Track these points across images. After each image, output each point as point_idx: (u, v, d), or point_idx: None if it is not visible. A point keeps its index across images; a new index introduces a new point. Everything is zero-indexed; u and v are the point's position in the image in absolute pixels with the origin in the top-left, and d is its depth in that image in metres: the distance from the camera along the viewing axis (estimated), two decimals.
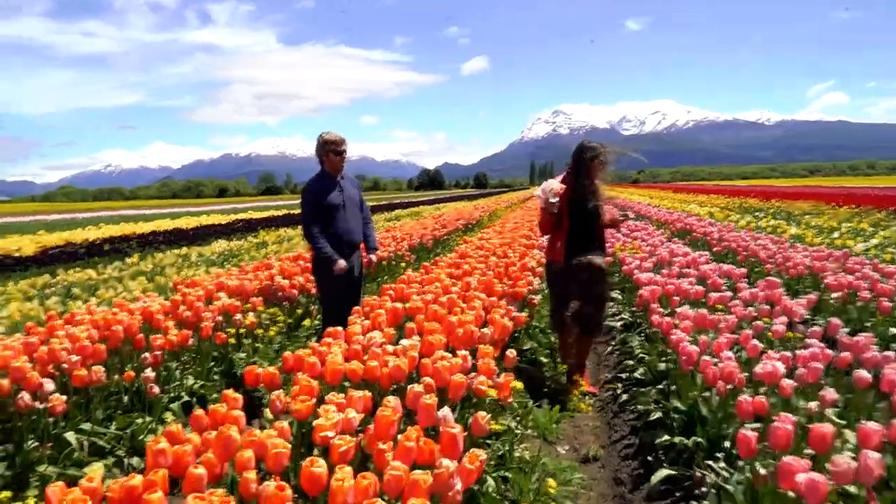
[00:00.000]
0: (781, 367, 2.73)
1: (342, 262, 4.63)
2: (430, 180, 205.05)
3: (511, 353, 3.25)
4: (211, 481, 1.94)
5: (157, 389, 3.10)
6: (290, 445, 2.07)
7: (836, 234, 11.19)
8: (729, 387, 2.89)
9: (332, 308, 4.69)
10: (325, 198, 4.64)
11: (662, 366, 4.11)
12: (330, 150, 4.68)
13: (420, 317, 3.62)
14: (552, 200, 4.05)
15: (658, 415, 3.53)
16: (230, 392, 2.59)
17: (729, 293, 4.66)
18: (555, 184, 4.10)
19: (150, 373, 3.14)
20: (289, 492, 1.76)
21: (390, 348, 3.07)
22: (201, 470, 1.89)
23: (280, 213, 26.58)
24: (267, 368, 2.73)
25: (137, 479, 1.79)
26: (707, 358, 2.99)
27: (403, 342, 3.11)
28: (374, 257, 5.05)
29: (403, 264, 7.97)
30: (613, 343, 5.55)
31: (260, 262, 6.29)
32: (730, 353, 3.06)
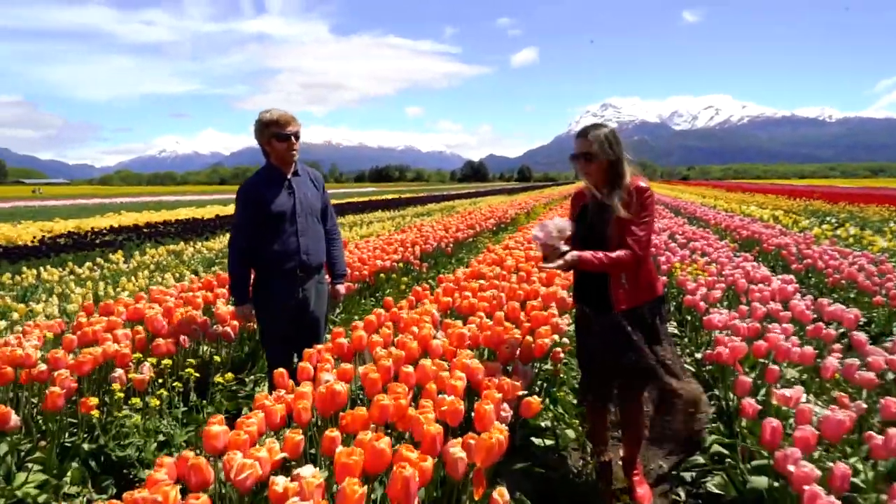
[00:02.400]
0: None
1: (245, 309, 3.32)
2: (474, 172, 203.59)
3: (500, 495, 1.80)
4: None
5: None
6: None
7: None
8: None
9: (277, 355, 3.32)
10: (268, 202, 3.24)
11: (761, 482, 2.59)
12: (272, 133, 3.23)
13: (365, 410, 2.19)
14: (556, 245, 2.52)
15: None
16: None
17: (853, 360, 3.08)
18: (564, 222, 2.59)
19: None
20: None
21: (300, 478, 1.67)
22: None
23: None
24: None
25: None
26: None
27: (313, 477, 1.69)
28: (342, 288, 3.68)
29: (406, 279, 6.54)
30: None
31: (210, 278, 4.91)
32: None
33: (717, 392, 3.76)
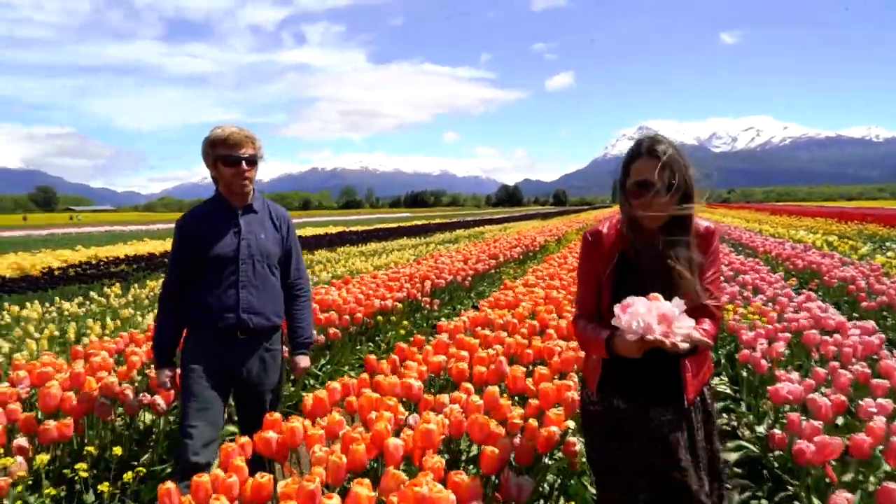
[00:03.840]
0: None
1: (163, 377, 2.62)
2: (509, 196, 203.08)
3: None
4: None
5: None
6: None
7: None
8: None
9: (194, 439, 2.42)
10: (206, 241, 2.58)
11: None
12: (218, 155, 2.57)
13: None
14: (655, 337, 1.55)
15: None
16: None
17: None
18: (666, 306, 1.60)
19: None
20: None
21: None
22: None
23: (335, 229, 24.93)
24: None
25: None
26: None
27: None
28: (303, 361, 2.84)
29: (407, 322, 5.71)
30: None
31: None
32: None
33: (791, 492, 2.82)
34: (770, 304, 5.46)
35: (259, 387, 2.65)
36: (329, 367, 4.80)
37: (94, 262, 13.21)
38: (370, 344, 5.58)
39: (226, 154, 2.55)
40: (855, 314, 6.26)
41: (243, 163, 2.55)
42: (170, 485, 1.91)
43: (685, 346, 1.57)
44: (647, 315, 1.56)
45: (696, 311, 1.72)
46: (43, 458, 2.23)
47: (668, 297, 1.66)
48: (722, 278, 1.85)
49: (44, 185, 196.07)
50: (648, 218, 1.81)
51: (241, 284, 2.59)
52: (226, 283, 2.57)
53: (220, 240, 2.59)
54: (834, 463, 2.76)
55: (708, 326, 1.73)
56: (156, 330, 2.71)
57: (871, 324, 4.31)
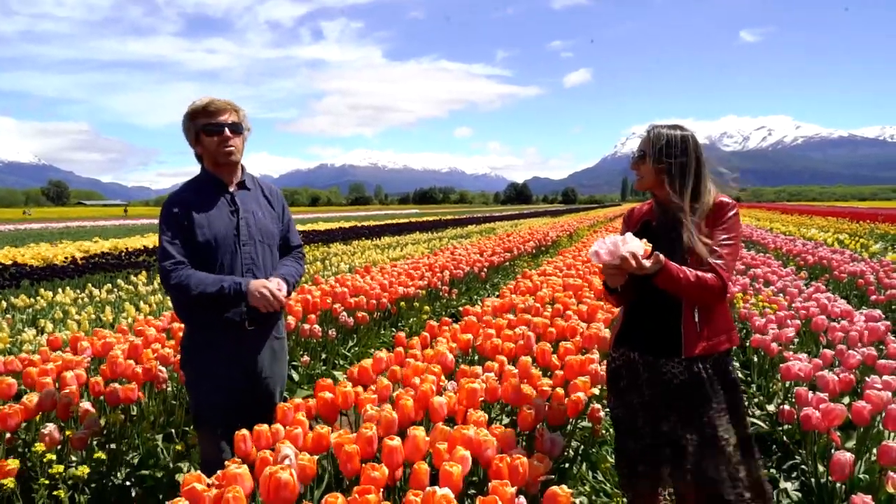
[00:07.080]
0: None
1: (255, 283, 2.30)
2: (518, 194, 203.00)
3: None
4: None
5: None
6: None
7: None
8: None
9: (214, 443, 2.32)
10: (199, 223, 2.33)
11: None
12: (200, 126, 2.33)
13: None
14: (624, 255, 1.84)
15: None
16: None
17: None
18: (636, 243, 1.88)
19: None
20: None
21: None
22: None
23: (347, 224, 25.22)
24: None
25: None
26: None
27: None
28: (279, 289, 2.33)
29: (429, 308, 5.94)
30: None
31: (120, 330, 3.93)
32: None
33: (798, 460, 3.02)
34: (780, 294, 5.64)
35: (271, 378, 2.46)
36: (357, 348, 5.03)
37: (114, 252, 13.52)
38: (393, 329, 5.81)
39: (208, 123, 2.31)
40: (864, 307, 6.42)
41: (226, 129, 2.32)
42: (244, 431, 2.13)
43: (646, 262, 1.86)
44: (601, 244, 1.91)
45: (703, 267, 1.98)
46: (118, 416, 2.46)
47: (675, 255, 1.97)
48: (730, 242, 2.04)
49: (56, 179, 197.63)
50: (636, 182, 2.16)
51: (246, 268, 2.36)
52: (228, 269, 2.33)
53: (217, 220, 2.34)
54: (839, 433, 2.96)
55: (703, 273, 1.96)
56: (200, 290, 2.23)
57: (877, 312, 4.49)
